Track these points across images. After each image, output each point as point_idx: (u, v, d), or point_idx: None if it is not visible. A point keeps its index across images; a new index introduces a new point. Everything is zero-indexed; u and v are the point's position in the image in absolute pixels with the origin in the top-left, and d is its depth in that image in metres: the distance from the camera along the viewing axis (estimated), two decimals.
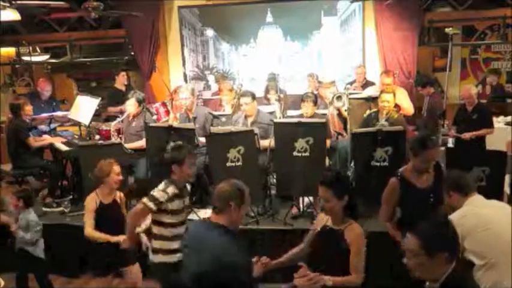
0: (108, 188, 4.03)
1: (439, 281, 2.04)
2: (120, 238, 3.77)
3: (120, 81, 7.52)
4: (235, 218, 2.68)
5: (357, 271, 2.79)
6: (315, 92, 6.21)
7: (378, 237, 4.33)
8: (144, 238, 3.94)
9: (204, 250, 2.58)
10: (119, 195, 4.16)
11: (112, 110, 7.18)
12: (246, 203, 2.73)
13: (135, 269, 4.09)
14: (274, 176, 5.36)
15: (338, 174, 3.03)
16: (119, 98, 6.84)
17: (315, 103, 5.38)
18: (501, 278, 2.73)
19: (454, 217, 2.89)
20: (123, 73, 7.57)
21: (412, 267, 2.09)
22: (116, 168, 4.02)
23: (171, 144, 3.85)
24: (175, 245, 3.44)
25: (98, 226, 3.95)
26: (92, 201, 4.01)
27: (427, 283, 2.14)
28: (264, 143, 5.14)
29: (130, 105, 5.73)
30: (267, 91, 6.69)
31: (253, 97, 5.47)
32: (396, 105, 5.54)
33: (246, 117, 5.45)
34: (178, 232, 3.46)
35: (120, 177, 4.06)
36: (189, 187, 4.19)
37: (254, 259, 2.87)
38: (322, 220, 3.01)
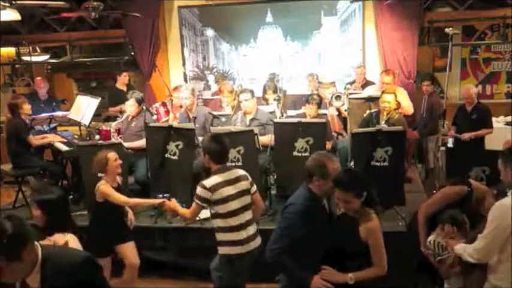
0: (111, 176, 4.06)
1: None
2: (159, 200, 3.89)
3: (122, 81, 7.55)
4: (322, 188, 2.95)
5: (378, 264, 2.81)
6: (315, 92, 6.22)
7: None
8: (130, 213, 4.22)
9: None
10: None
11: (113, 109, 7.19)
12: (331, 174, 2.91)
13: (131, 246, 4.14)
14: (274, 176, 5.35)
15: (352, 173, 3.05)
16: (120, 97, 6.85)
17: (319, 106, 5.39)
18: None
19: None
20: (125, 73, 7.60)
21: None
22: (111, 155, 4.05)
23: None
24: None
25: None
26: (107, 186, 4.01)
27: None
28: (263, 139, 5.14)
29: (130, 106, 5.74)
30: (264, 91, 6.68)
31: (252, 94, 5.48)
32: (397, 103, 5.54)
33: (244, 114, 5.45)
34: None
35: (119, 162, 4.09)
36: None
37: None
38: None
